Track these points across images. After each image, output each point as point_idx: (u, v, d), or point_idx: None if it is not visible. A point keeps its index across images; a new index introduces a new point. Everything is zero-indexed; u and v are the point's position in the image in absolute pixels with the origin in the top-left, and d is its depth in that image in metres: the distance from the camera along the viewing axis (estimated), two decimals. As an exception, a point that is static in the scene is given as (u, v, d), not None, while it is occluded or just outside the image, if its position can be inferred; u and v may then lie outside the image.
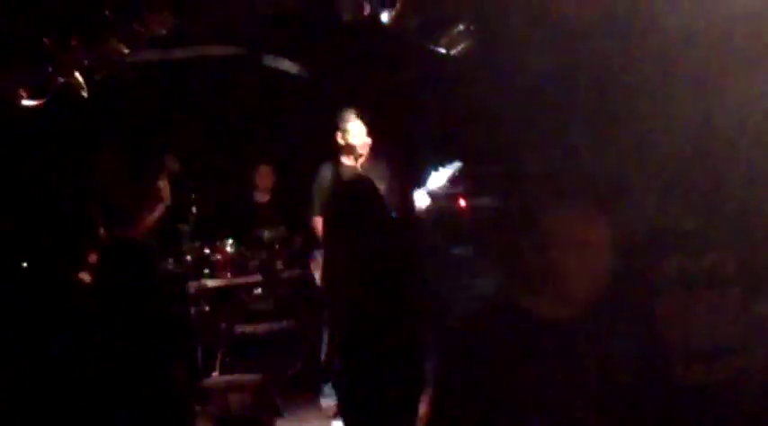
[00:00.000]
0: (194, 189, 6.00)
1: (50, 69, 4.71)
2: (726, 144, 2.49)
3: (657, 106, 2.88)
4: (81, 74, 4.90)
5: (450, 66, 5.16)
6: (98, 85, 5.05)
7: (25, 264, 3.79)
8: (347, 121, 5.02)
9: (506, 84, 4.33)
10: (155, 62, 6.06)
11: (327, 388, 4.96)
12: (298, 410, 5.29)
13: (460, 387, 1.77)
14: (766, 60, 2.54)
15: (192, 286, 5.80)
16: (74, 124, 5.26)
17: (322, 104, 5.55)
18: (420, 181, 5.09)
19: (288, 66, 6.45)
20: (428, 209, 5.07)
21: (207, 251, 5.93)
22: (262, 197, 6.43)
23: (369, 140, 5.03)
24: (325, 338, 4.39)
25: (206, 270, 5.89)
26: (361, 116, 5.04)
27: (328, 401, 4.97)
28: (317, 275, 5.25)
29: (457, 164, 5.07)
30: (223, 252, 5.97)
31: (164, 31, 4.93)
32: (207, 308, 5.85)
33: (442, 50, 5.10)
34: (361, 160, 5.06)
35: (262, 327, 6.04)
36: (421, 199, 5.03)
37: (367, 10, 5.00)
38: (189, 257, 5.84)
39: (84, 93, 4.97)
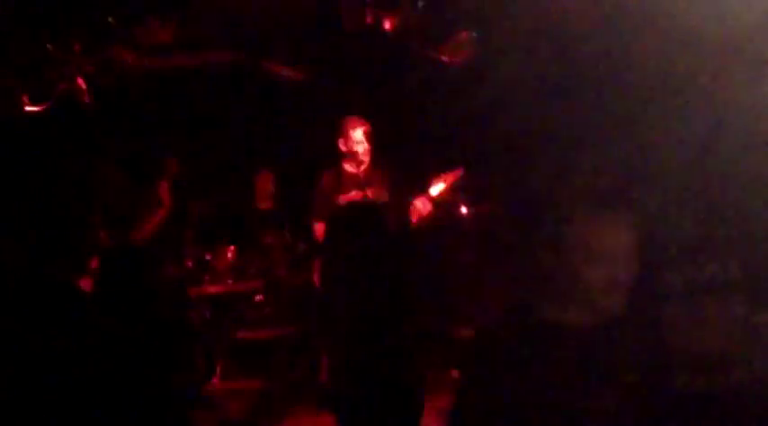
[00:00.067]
0: (196, 194, 5.99)
1: (53, 75, 4.71)
2: (729, 151, 2.47)
3: (657, 111, 2.87)
4: (83, 80, 4.90)
5: (452, 74, 5.16)
6: (100, 91, 5.06)
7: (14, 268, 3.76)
8: (349, 128, 5.01)
9: (508, 91, 4.33)
10: (156, 68, 6.06)
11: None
12: (298, 416, 5.29)
13: (480, 394, 1.77)
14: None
15: (194, 291, 5.79)
16: (76, 129, 5.25)
17: (324, 111, 5.54)
18: (422, 188, 5.08)
19: (289, 73, 6.45)
20: (430, 215, 5.05)
21: (208, 257, 5.92)
22: (263, 203, 6.42)
23: (371, 146, 5.03)
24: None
25: (207, 276, 5.89)
26: (363, 123, 5.04)
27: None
28: (318, 279, 5.25)
29: (458, 171, 5.05)
30: (224, 257, 5.97)
31: (165, 39, 4.93)
32: (208, 314, 5.84)
33: (444, 58, 5.10)
34: (363, 166, 5.05)
35: (262, 333, 6.02)
36: (422, 208, 5.01)
37: (369, 18, 5.00)
38: (190, 263, 5.83)
39: (87, 99, 4.97)
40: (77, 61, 4.78)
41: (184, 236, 5.89)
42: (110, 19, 4.66)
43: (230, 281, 5.94)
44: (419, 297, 3.68)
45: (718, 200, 2.47)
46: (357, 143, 4.99)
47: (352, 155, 5.01)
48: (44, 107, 4.73)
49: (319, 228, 5.08)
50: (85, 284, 3.59)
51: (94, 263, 3.61)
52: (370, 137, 5.02)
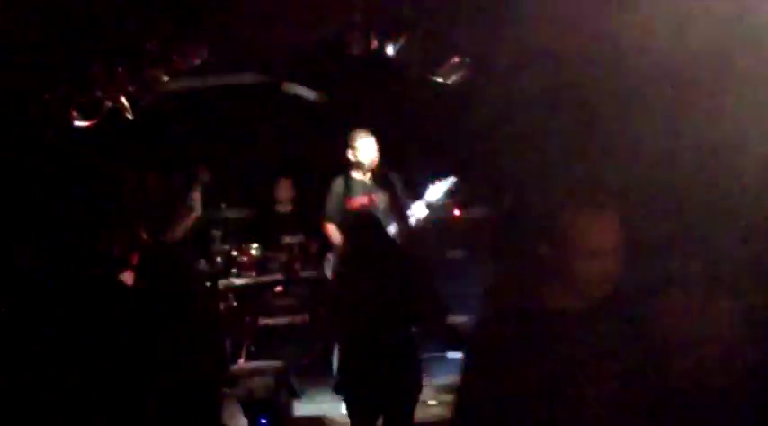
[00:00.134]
0: (224, 200, 5.99)
1: (100, 94, 4.71)
2: (692, 158, 2.47)
3: (629, 131, 2.87)
4: (126, 98, 4.90)
5: (447, 93, 5.16)
6: (141, 109, 5.06)
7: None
8: (357, 141, 5.02)
9: (497, 109, 4.32)
10: (190, 88, 6.07)
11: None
12: (313, 392, 5.27)
13: (484, 385, 1.74)
14: (731, 86, 2.53)
15: (222, 284, 5.79)
16: (119, 142, 5.26)
17: (335, 126, 5.53)
18: (419, 194, 5.08)
19: (306, 92, 6.45)
20: (426, 219, 5.05)
21: (234, 253, 5.92)
22: (283, 207, 6.42)
23: (376, 156, 5.03)
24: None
25: (233, 270, 5.88)
26: (369, 136, 5.04)
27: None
28: (329, 273, 5.24)
29: (452, 179, 5.04)
30: (249, 254, 5.97)
31: (198, 62, 4.93)
32: (234, 303, 5.83)
33: (440, 79, 5.10)
34: (368, 174, 5.06)
35: (282, 320, 6.02)
36: (419, 211, 5.01)
37: (374, 44, 5.01)
38: (219, 258, 5.84)
39: (129, 115, 4.97)
40: (121, 82, 4.78)
41: (213, 236, 5.89)
42: (148, 45, 4.66)
43: (254, 274, 5.95)
44: (416, 287, 3.66)
45: (679, 207, 2.47)
46: (364, 154, 5.00)
47: (360, 164, 5.01)
48: (92, 122, 4.73)
49: (330, 228, 5.08)
50: (127, 277, 3.60)
51: (135, 259, 3.62)
52: (375, 148, 5.03)
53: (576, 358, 1.70)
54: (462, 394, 1.85)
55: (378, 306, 3.53)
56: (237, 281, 5.86)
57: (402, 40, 4.94)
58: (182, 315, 3.34)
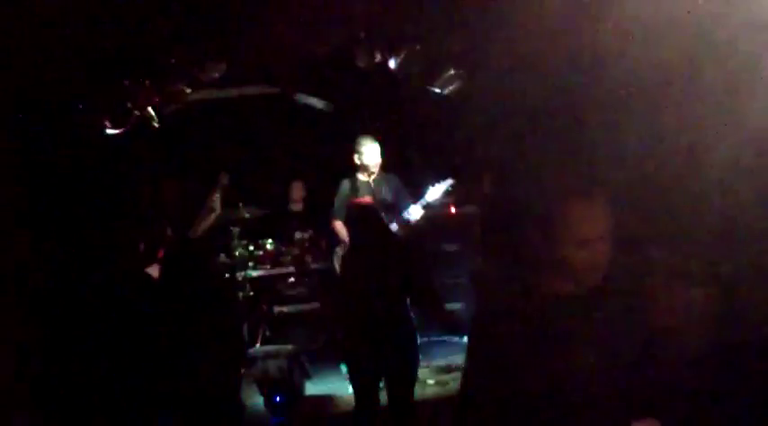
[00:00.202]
0: (242, 200, 5.98)
1: (129, 105, 4.70)
2: (667, 158, 2.45)
3: (609, 128, 2.84)
4: (153, 109, 4.89)
5: (444, 102, 5.14)
6: (166, 118, 5.04)
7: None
8: (362, 146, 4.99)
9: (489, 116, 4.30)
10: (210, 99, 6.06)
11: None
12: (323, 373, 5.26)
13: (489, 372, 1.69)
14: (700, 92, 2.50)
15: (240, 275, 5.77)
16: (147, 148, 5.25)
17: (342, 133, 5.52)
18: (420, 195, 5.05)
19: (315, 102, 6.43)
20: (423, 217, 5.02)
21: (251, 248, 5.91)
22: (295, 206, 6.42)
23: (379, 160, 5.01)
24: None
25: (250, 263, 5.87)
26: (373, 142, 5.01)
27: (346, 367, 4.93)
28: (338, 266, 5.22)
29: (449, 181, 5.02)
30: (264, 248, 5.97)
31: (217, 75, 4.92)
32: (251, 293, 5.82)
33: (437, 90, 5.07)
34: (373, 176, 5.04)
35: (294, 308, 6.00)
36: (415, 213, 4.98)
37: (378, 58, 4.98)
38: (237, 253, 5.82)
39: (156, 124, 4.95)
40: (148, 94, 4.77)
41: (232, 233, 5.87)
42: (173, 60, 4.65)
43: (268, 267, 5.93)
44: (413, 268, 3.64)
45: (655, 204, 2.45)
46: (368, 158, 4.97)
47: (365, 167, 4.99)
48: (122, 130, 4.71)
49: (338, 225, 5.06)
50: (153, 270, 3.58)
51: (161, 254, 3.60)
52: (378, 153, 5.00)
53: (571, 337, 1.65)
54: (468, 375, 1.78)
55: (377, 282, 3.52)
56: (254, 273, 5.85)
57: (403, 55, 4.91)
58: (203, 304, 3.33)
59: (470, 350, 1.80)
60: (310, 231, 6.02)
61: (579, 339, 1.66)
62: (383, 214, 4.30)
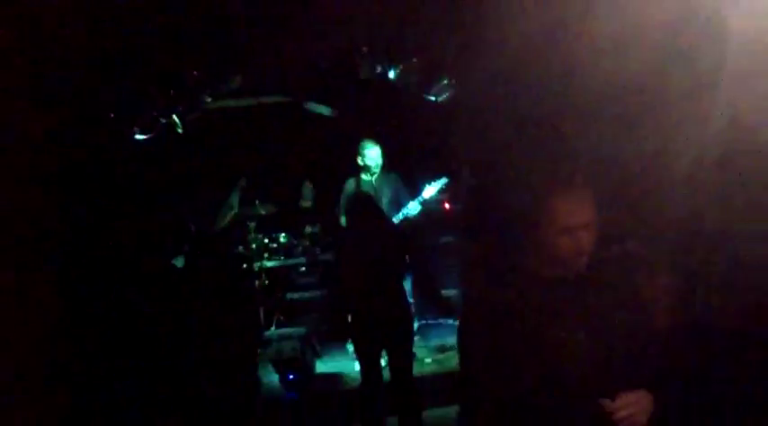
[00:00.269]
0: (258, 198, 5.99)
1: (156, 113, 4.71)
2: (637, 160, 2.46)
3: (583, 133, 2.84)
4: (177, 116, 4.90)
5: (439, 108, 5.15)
6: (189, 124, 5.06)
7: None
8: (365, 148, 5.00)
9: (480, 120, 4.30)
10: (229, 107, 6.06)
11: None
12: (331, 353, 5.28)
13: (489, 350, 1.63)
14: (667, 99, 2.51)
15: (256, 265, 5.79)
16: (172, 152, 5.26)
17: (347, 137, 5.52)
18: (417, 192, 5.05)
19: (323, 109, 6.43)
20: (421, 213, 5.02)
21: (266, 241, 5.92)
22: (305, 203, 6.42)
23: (380, 161, 5.01)
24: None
25: (265, 255, 5.88)
26: (375, 144, 5.02)
27: (352, 346, 4.95)
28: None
29: (444, 179, 5.02)
30: (278, 241, 5.98)
31: (235, 86, 4.93)
32: (266, 282, 5.84)
33: (432, 98, 5.08)
34: (375, 176, 5.04)
35: (305, 295, 6.03)
36: (413, 209, 4.98)
37: (378, 70, 4.99)
38: (254, 245, 5.83)
39: (180, 130, 4.97)
40: (173, 102, 4.78)
41: (249, 227, 5.89)
42: (196, 73, 4.66)
43: (282, 258, 5.95)
44: (413, 266, 3.65)
45: (629, 202, 2.45)
46: (370, 159, 4.98)
47: (367, 168, 5.00)
48: (149, 136, 4.73)
49: (343, 220, 5.07)
50: (179, 262, 3.60)
51: (186, 247, 3.62)
52: (379, 154, 5.01)
53: (559, 314, 1.59)
54: (465, 350, 1.70)
55: (376, 265, 3.54)
56: (269, 264, 5.86)
57: (401, 66, 4.92)
58: (224, 292, 3.35)
59: (462, 330, 1.73)
60: (319, 226, 6.04)
61: (567, 316, 1.60)
62: (385, 210, 4.31)
